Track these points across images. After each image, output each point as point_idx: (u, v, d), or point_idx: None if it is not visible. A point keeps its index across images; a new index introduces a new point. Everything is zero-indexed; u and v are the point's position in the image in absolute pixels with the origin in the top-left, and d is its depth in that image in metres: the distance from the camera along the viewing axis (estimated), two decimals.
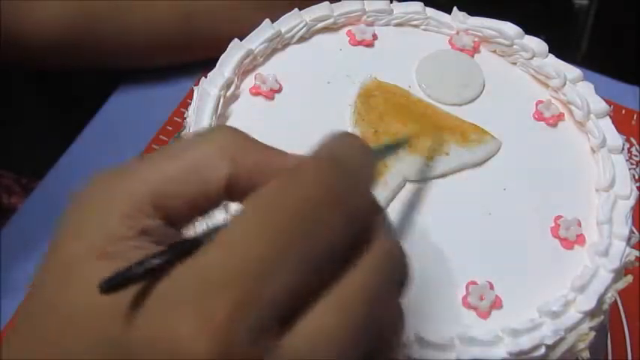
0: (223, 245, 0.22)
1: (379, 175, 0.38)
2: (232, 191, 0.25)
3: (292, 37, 0.43)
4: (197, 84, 0.40)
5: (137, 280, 0.22)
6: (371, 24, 0.45)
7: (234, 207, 0.34)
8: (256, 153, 0.25)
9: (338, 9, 0.44)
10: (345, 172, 0.23)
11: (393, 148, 0.31)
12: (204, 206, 0.25)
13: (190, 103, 0.40)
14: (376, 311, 0.23)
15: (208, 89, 0.39)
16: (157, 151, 0.26)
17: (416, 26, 0.46)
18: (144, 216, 0.24)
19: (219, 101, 0.39)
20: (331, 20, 0.44)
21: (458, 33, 0.46)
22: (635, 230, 0.40)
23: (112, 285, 0.21)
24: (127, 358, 0.21)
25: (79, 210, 0.24)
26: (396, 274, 0.24)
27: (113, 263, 0.22)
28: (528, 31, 0.45)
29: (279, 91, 0.42)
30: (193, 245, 0.22)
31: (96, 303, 0.22)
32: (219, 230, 0.22)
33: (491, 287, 0.35)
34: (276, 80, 0.42)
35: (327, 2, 0.45)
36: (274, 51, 0.43)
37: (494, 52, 0.46)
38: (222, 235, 0.22)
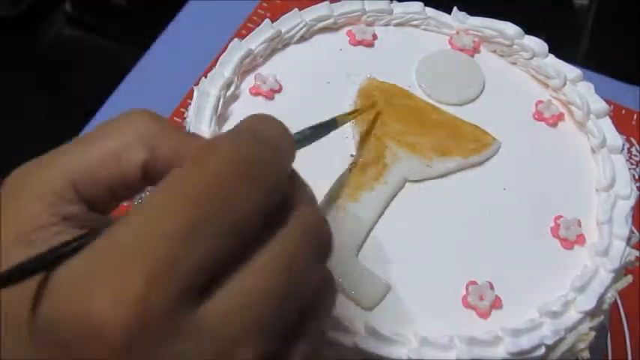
0: (134, 220, 0.22)
1: (379, 176, 0.38)
2: (151, 176, 0.25)
3: (292, 37, 0.43)
4: (197, 84, 0.40)
5: (41, 270, 0.22)
6: (371, 24, 0.45)
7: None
8: (175, 138, 0.25)
9: (338, 9, 0.45)
10: (262, 145, 0.24)
11: (320, 129, 0.32)
12: (123, 191, 0.26)
13: (190, 103, 0.40)
14: (295, 279, 0.23)
15: (208, 89, 0.39)
16: (75, 138, 0.27)
17: (416, 26, 0.46)
18: (65, 202, 0.24)
19: (219, 101, 0.39)
20: (331, 20, 0.44)
21: (458, 33, 0.46)
22: (635, 230, 0.40)
23: (11, 277, 0.21)
24: (40, 339, 0.22)
25: (2, 200, 0.25)
26: (316, 245, 0.24)
27: (36, 250, 0.22)
28: (528, 31, 0.45)
29: (279, 91, 0.42)
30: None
31: (8, 292, 0.22)
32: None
33: (491, 287, 0.35)
34: (276, 80, 0.42)
35: (327, 2, 0.45)
36: (274, 51, 0.43)
37: (494, 52, 0.46)
38: (132, 211, 0.22)
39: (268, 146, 0.24)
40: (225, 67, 0.41)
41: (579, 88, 0.43)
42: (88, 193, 0.25)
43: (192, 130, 0.38)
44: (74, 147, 0.26)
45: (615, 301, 0.37)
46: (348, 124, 0.41)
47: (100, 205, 0.26)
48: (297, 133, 0.30)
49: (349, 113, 0.38)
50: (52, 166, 0.25)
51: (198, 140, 0.26)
